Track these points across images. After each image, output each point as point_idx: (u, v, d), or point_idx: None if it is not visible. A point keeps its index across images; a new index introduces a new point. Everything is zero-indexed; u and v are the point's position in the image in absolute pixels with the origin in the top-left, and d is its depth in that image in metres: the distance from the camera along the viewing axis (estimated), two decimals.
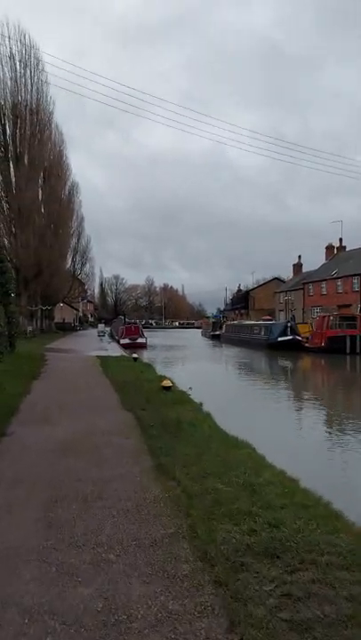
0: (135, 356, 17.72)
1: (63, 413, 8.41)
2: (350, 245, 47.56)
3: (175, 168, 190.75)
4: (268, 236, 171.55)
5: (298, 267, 58.25)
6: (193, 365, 25.20)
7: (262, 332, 36.21)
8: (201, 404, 9.22)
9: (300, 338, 32.51)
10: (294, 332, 32.72)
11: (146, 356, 26.51)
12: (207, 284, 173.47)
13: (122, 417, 8.13)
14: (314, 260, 59.73)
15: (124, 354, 22.62)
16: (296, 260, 60.28)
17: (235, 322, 54.05)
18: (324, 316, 31.47)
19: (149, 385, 11.13)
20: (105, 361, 17.56)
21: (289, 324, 33.15)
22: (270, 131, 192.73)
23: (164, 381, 10.16)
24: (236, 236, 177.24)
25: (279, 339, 32.37)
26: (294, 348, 31.37)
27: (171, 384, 10.17)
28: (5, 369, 13.02)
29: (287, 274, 72.92)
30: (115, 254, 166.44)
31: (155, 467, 5.37)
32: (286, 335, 32.30)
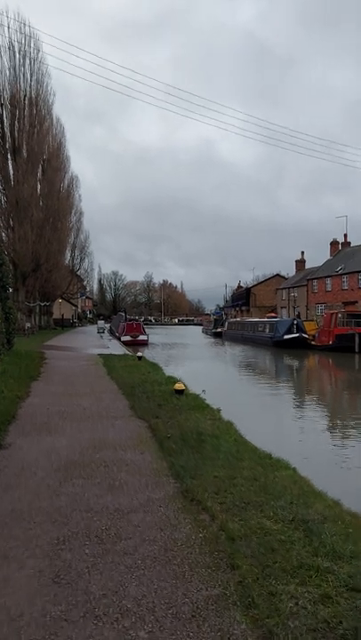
0: (140, 354, 16.85)
1: (67, 421, 7.53)
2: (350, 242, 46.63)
3: (165, 165, 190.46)
4: (261, 232, 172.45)
5: (301, 263, 57.31)
6: (198, 365, 24.27)
7: (267, 330, 35.32)
8: (219, 411, 8.36)
9: (306, 336, 31.64)
10: (301, 329, 31.84)
11: (147, 354, 25.55)
12: (203, 280, 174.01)
13: (133, 426, 7.26)
14: (309, 257, 59.45)
15: (127, 352, 21.76)
16: (299, 257, 59.34)
17: (237, 319, 53.19)
18: (332, 314, 30.59)
19: (159, 388, 10.26)
20: (108, 360, 16.70)
21: (295, 322, 32.26)
22: (260, 126, 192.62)
23: (177, 384, 9.29)
24: (229, 232, 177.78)
25: (285, 336, 31.48)
26: (301, 346, 30.52)
27: (183, 387, 9.30)
28: (3, 368, 12.14)
29: (283, 270, 72.72)
30: (107, 251, 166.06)
31: (180, 493, 4.50)
32: (292, 333, 31.43)
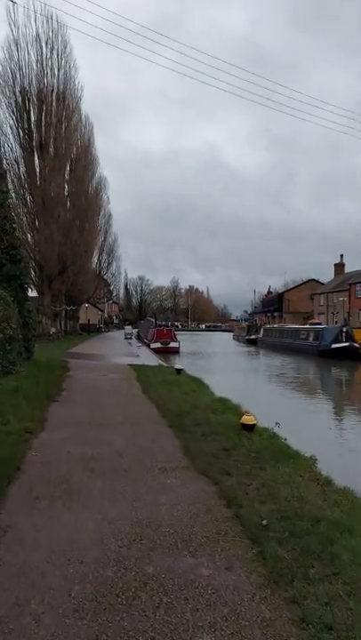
0: (179, 366, 14.34)
1: (95, 477, 5.05)
2: None
3: (172, 171, 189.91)
4: (276, 237, 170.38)
5: (340, 267, 53.81)
6: (242, 380, 21.08)
7: (311, 338, 32.18)
8: (314, 461, 5.72)
9: (357, 345, 28.42)
10: (351, 337, 28.63)
11: (179, 363, 22.92)
12: (223, 286, 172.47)
13: (195, 491, 4.71)
14: (325, 262, 56.71)
15: (161, 362, 19.30)
16: (335, 261, 55.87)
17: (275, 325, 50.00)
18: None
19: (216, 417, 7.71)
20: (141, 372, 14.26)
21: (344, 329, 29.07)
22: (263, 130, 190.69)
23: (245, 416, 6.70)
24: (243, 237, 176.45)
25: (333, 345, 28.34)
26: (350, 357, 27.29)
27: (254, 420, 6.70)
28: (16, 385, 9.82)
29: (304, 275, 69.93)
30: (122, 256, 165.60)
31: None
32: (341, 342, 28.26)
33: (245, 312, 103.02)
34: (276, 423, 7.22)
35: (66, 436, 6.72)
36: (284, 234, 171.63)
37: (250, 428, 6.60)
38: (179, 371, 13.88)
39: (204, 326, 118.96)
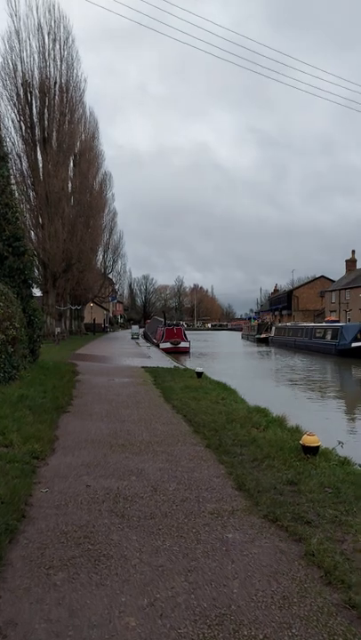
0: (200, 369, 12.99)
1: (126, 529, 3.73)
2: None
3: (166, 170, 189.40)
4: (272, 235, 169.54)
5: (351, 262, 52.18)
6: (265, 383, 19.08)
7: (329, 336, 30.76)
8: None
9: None
10: None
11: (190, 365, 21.49)
12: (223, 285, 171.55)
13: (271, 552, 3.38)
14: (325, 260, 55.59)
15: (177, 364, 17.95)
16: (348, 257, 54.29)
17: (288, 323, 48.50)
18: None
19: (261, 434, 6.36)
20: (158, 376, 12.94)
21: None
22: (252, 129, 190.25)
23: (307, 436, 5.34)
24: (240, 236, 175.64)
25: (353, 344, 26.99)
26: None
27: (318, 442, 5.35)
28: (21, 393, 8.53)
29: (303, 273, 68.81)
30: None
31: None
32: None
33: (251, 310, 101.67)
34: (340, 443, 5.89)
35: (82, 461, 5.40)
36: (281, 232, 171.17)
37: (313, 450, 5.25)
38: (199, 374, 12.54)
39: (209, 325, 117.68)
